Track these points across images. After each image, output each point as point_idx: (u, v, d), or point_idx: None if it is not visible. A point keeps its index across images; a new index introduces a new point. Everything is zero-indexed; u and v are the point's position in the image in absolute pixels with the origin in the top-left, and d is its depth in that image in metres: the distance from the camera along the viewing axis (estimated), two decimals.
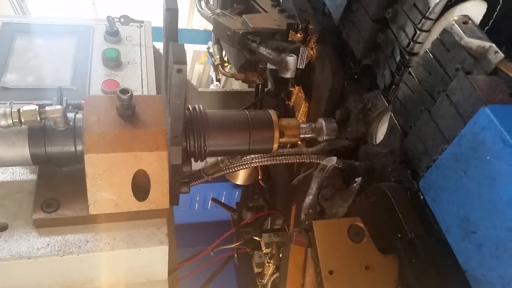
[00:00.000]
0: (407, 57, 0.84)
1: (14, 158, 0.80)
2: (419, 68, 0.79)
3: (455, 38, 0.70)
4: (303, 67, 1.04)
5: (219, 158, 1.01)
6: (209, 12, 1.34)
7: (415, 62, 0.82)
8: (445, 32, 0.72)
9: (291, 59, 0.97)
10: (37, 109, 0.76)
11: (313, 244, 0.72)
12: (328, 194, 0.88)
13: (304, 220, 0.80)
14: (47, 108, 0.78)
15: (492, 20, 0.69)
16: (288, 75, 0.99)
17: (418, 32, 0.81)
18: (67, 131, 0.80)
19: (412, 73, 0.81)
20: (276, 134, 0.90)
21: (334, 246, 0.72)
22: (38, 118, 0.77)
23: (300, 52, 1.01)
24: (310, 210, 0.83)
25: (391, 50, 0.89)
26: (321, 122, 0.99)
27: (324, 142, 1.00)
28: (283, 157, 1.00)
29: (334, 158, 0.89)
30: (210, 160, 1.01)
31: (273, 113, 0.91)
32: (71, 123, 0.81)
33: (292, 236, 0.74)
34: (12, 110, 0.75)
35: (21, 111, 0.76)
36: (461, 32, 0.69)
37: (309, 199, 0.84)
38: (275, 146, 0.91)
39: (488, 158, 0.58)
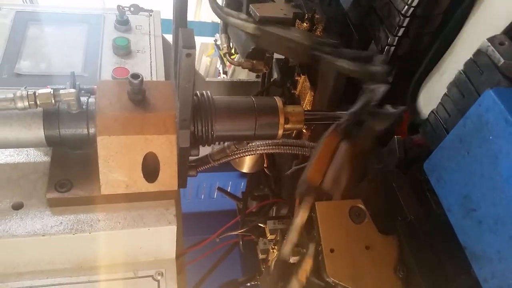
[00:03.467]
0: (402, 18, 0.86)
1: (30, 139, 0.83)
2: (453, 89, 0.77)
3: (490, 60, 0.69)
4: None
5: (226, 144, 1.04)
6: (241, 19, 1.14)
7: (449, 84, 0.79)
8: (479, 53, 0.71)
9: (378, 69, 0.89)
10: (52, 92, 0.80)
11: (315, 224, 0.75)
12: (373, 110, 0.83)
13: (344, 122, 0.80)
14: (61, 91, 0.81)
15: None
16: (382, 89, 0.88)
17: None
18: (80, 114, 0.83)
19: (448, 95, 0.79)
20: (281, 120, 0.92)
21: (335, 226, 0.75)
22: (53, 101, 0.80)
23: (375, 59, 0.94)
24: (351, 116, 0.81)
25: (387, 11, 0.90)
26: None
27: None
28: (287, 147, 1.03)
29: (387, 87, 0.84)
30: (217, 147, 1.04)
31: (278, 100, 0.94)
32: (84, 107, 0.84)
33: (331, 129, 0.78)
34: (28, 93, 0.78)
35: (36, 93, 0.79)
36: (498, 54, 0.68)
37: (354, 107, 0.82)
38: (280, 132, 0.94)
39: (490, 138, 0.60)
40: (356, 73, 0.93)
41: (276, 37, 1.08)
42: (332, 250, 0.72)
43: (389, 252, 0.75)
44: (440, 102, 0.82)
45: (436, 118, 0.82)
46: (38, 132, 0.82)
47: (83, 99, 0.86)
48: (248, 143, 1.03)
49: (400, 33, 0.91)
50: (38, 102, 0.79)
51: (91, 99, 0.86)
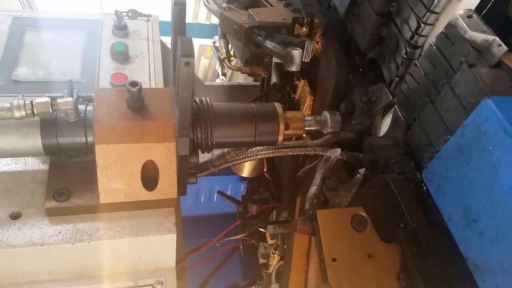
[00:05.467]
0: (411, 50, 0.85)
1: (27, 148, 0.82)
2: (425, 61, 0.80)
3: (459, 32, 0.71)
4: (308, 61, 1.06)
5: (225, 150, 1.03)
6: (216, 6, 1.35)
7: (421, 55, 0.83)
8: (450, 26, 0.73)
9: (296, 53, 0.98)
10: (49, 101, 0.79)
11: (317, 233, 0.74)
12: (332, 184, 0.90)
13: (309, 210, 0.82)
14: (58, 100, 0.80)
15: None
16: (293, 68, 1.00)
17: (422, 25, 0.82)
18: (78, 123, 0.83)
19: (418, 65, 0.82)
20: (282, 127, 0.92)
21: (337, 235, 0.74)
22: (50, 110, 0.79)
23: (306, 46, 1.03)
24: (314, 200, 0.84)
25: (395, 43, 0.90)
26: (326, 114, 1.01)
27: (328, 135, 1.02)
28: (289, 149, 1.02)
29: (338, 150, 0.90)
30: (217, 152, 1.03)
31: (278, 106, 0.93)
32: (82, 115, 0.83)
33: (297, 225, 0.76)
34: (25, 102, 0.77)
35: (34, 103, 0.78)
36: (465, 26, 0.70)
37: (313, 189, 0.86)
38: (280, 138, 0.93)
39: (490, 148, 0.60)
40: (278, 54, 1.02)
41: (228, 21, 1.20)
42: (334, 259, 0.71)
43: (391, 261, 0.74)
44: (409, 73, 0.84)
45: (408, 87, 0.84)
46: (35, 141, 0.82)
47: (81, 107, 0.85)
48: (248, 149, 1.03)
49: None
50: (35, 111, 0.78)
51: (89, 107, 0.86)
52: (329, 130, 0.99)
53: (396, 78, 0.91)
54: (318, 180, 0.87)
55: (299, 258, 0.73)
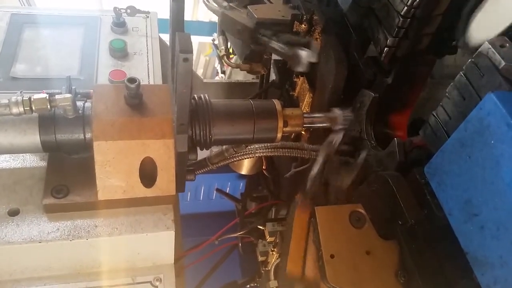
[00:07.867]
0: (401, 19, 0.85)
1: (25, 145, 0.82)
2: (454, 92, 0.76)
3: (491, 63, 0.68)
4: (316, 61, 1.05)
5: (224, 147, 1.03)
6: (216, 5, 1.34)
7: (450, 86, 0.78)
8: (480, 55, 0.70)
9: (303, 53, 0.97)
10: (47, 97, 0.78)
11: (315, 229, 0.75)
12: (333, 166, 0.89)
13: (310, 189, 0.81)
14: (57, 96, 0.80)
15: None
16: (300, 69, 1.00)
17: None
18: (76, 119, 0.82)
19: (448, 97, 0.77)
20: (280, 124, 0.91)
21: (335, 231, 0.74)
22: (48, 106, 0.79)
23: (312, 46, 1.02)
24: (315, 181, 0.84)
25: (386, 13, 0.89)
26: (336, 111, 0.99)
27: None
28: (286, 149, 1.02)
29: (341, 133, 0.89)
30: (215, 149, 1.03)
31: (277, 103, 0.93)
32: (80, 111, 0.83)
33: (297, 203, 0.75)
34: (24, 98, 0.77)
35: (32, 99, 0.78)
36: (499, 56, 0.67)
37: (315, 169, 0.85)
38: (279, 135, 0.93)
39: (492, 142, 0.60)
40: (284, 55, 1.01)
41: (230, 21, 1.17)
42: (332, 256, 0.71)
43: (389, 257, 0.74)
44: (440, 104, 0.81)
45: (436, 121, 0.81)
46: (33, 138, 0.81)
47: (79, 103, 0.85)
48: (247, 146, 1.03)
49: (399, 35, 0.90)
50: (33, 108, 0.78)
51: (88, 104, 0.85)
52: (339, 127, 0.98)
53: (386, 48, 0.91)
54: (320, 161, 0.86)
55: (299, 233, 0.73)
